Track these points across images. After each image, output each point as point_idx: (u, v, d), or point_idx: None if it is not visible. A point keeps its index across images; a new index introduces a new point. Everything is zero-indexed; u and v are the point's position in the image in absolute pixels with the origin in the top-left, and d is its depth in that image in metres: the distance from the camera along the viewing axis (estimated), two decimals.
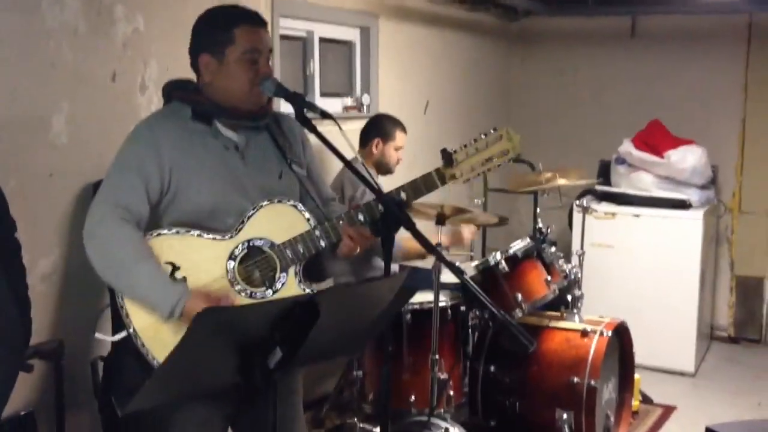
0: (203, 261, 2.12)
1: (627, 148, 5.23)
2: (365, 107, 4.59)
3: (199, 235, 2.13)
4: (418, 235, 1.96)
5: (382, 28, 4.69)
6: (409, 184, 2.25)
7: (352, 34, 4.61)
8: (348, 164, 2.11)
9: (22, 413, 2.74)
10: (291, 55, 4.24)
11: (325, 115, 2.15)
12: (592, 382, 3.42)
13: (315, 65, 4.35)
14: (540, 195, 4.62)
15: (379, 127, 3.96)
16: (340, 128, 2.13)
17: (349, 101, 4.61)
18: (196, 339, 1.34)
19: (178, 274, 2.09)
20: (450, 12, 5.35)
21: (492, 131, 2.28)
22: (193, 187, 2.16)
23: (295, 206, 2.22)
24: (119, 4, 3.05)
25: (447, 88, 5.46)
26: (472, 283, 1.92)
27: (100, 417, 2.87)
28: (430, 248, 1.97)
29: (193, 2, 3.11)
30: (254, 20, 2.24)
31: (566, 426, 3.42)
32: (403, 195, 2.22)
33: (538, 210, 3.85)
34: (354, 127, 4.10)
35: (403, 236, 3.70)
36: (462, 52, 5.63)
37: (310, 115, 2.20)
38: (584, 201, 4.55)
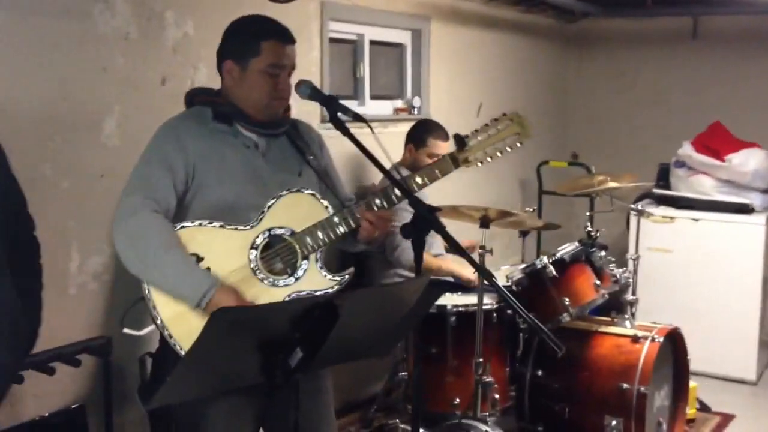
0: (226, 251, 2.16)
1: (687, 150, 5.11)
2: (416, 109, 4.60)
3: (221, 226, 2.18)
4: (448, 239, 1.96)
5: (434, 31, 4.69)
6: (424, 169, 2.31)
7: (403, 37, 4.63)
8: (380, 167, 2.11)
9: (73, 406, 2.85)
10: (341, 58, 4.28)
11: (358, 118, 2.16)
12: (642, 389, 3.35)
13: (365, 68, 4.38)
14: (594, 198, 4.56)
15: (412, 133, 3.96)
16: (373, 131, 2.14)
17: (399, 103, 4.63)
18: (211, 338, 1.36)
19: (202, 265, 2.13)
20: (504, 14, 5.32)
21: (503, 116, 2.33)
22: (216, 181, 2.22)
23: (313, 195, 2.26)
24: (169, 9, 3.13)
25: (501, 90, 5.43)
26: (501, 286, 1.91)
27: (147, 412, 2.94)
28: (462, 252, 1.96)
29: (243, 8, 3.16)
30: (283, 36, 2.31)
31: None
32: (418, 179, 2.28)
33: (588, 213, 3.79)
34: (405, 130, 4.10)
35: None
36: (517, 54, 5.59)
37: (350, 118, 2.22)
38: (640, 205, 4.46)
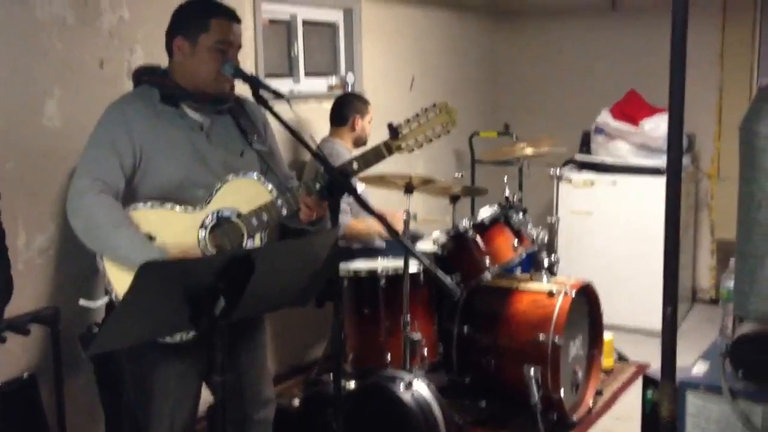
0: (177, 231, 2.35)
1: (604, 118, 5.43)
2: (350, 86, 4.82)
3: (172, 208, 2.37)
4: (360, 201, 2.20)
5: (365, 9, 4.90)
6: (361, 156, 2.50)
7: (335, 16, 4.83)
8: (303, 142, 2.31)
9: (25, 375, 3.01)
10: (275, 38, 4.47)
11: (277, 94, 2.36)
12: (556, 339, 3.64)
13: (299, 47, 4.58)
14: (522, 165, 4.86)
15: (354, 105, 4.25)
16: (291, 107, 2.35)
17: (333, 80, 4.84)
18: (140, 288, 1.58)
19: (154, 244, 2.31)
20: None
21: (432, 106, 2.53)
22: (162, 161, 2.39)
23: (258, 179, 2.45)
24: None
25: (433, 63, 5.66)
26: (409, 243, 2.16)
27: (95, 378, 3.14)
28: (372, 211, 2.21)
29: None
30: (229, 15, 2.49)
31: (533, 381, 3.64)
32: (355, 165, 2.47)
33: (505, 178, 4.06)
34: None
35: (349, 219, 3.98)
36: (447, 29, 5.82)
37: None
38: (558, 170, 4.76)
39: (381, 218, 2.18)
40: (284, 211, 2.42)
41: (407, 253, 3.44)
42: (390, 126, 2.50)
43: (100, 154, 2.36)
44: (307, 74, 4.68)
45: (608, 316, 4.18)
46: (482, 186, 4.80)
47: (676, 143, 1.73)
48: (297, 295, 1.99)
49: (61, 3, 3.13)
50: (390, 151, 2.50)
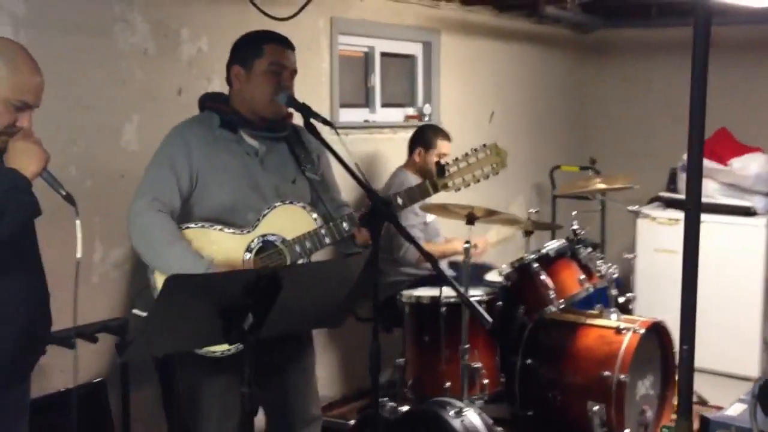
0: (224, 251, 2.47)
1: None
2: (427, 117, 4.88)
3: (220, 229, 2.49)
4: (399, 227, 2.24)
5: (445, 42, 4.97)
6: (406, 191, 2.59)
7: (413, 49, 4.91)
8: (350, 171, 2.36)
9: (95, 381, 3.19)
10: (353, 69, 4.59)
11: (327, 123, 2.44)
12: (622, 377, 3.55)
13: (376, 78, 4.68)
14: (593, 199, 4.80)
15: (420, 137, 4.27)
16: (338, 135, 2.42)
17: (411, 111, 4.91)
18: (168, 300, 1.67)
19: None
20: (517, 25, 5.55)
21: (482, 147, 2.59)
22: (217, 185, 2.51)
23: (304, 207, 2.55)
24: (185, 27, 3.48)
25: (514, 98, 5.66)
26: (442, 269, 2.18)
27: (160, 386, 3.27)
28: (412, 240, 2.24)
29: (251, 25, 3.49)
30: (282, 41, 2.62)
31: (597, 417, 3.56)
32: (399, 200, 2.56)
33: (574, 213, 4.00)
34: None
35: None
36: (530, 64, 5.81)
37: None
38: (639, 207, 4.67)
39: (417, 245, 2.22)
40: (327, 240, 2.51)
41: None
42: (437, 164, 2.59)
43: (159, 175, 2.50)
44: (384, 105, 4.76)
45: None
46: (562, 223, 4.75)
47: (696, 182, 1.70)
48: (329, 315, 2.04)
49: (143, 34, 3.33)
50: (435, 189, 2.59)
